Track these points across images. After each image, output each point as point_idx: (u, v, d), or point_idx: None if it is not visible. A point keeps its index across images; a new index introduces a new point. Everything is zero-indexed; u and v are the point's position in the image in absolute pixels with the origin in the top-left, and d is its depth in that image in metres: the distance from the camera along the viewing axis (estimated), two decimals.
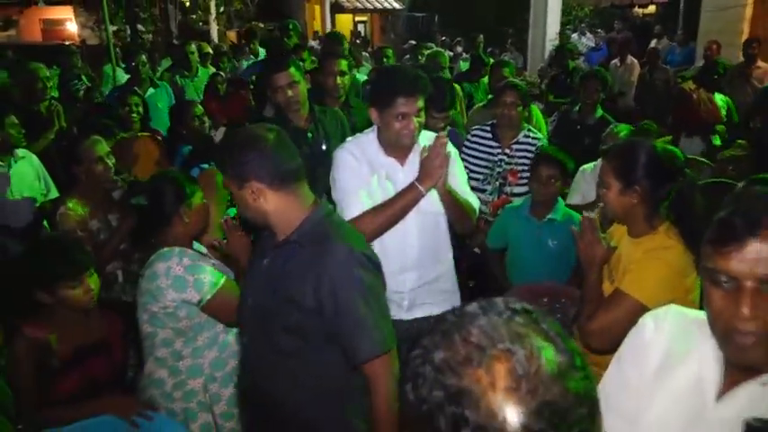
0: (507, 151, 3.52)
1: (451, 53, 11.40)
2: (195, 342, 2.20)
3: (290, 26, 6.23)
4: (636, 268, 1.88)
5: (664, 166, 1.90)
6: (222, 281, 2.16)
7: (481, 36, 10.41)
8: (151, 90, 5.40)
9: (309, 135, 3.15)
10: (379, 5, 21.43)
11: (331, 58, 3.69)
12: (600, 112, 4.34)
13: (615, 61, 8.33)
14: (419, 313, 2.53)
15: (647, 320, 1.24)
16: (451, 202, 2.41)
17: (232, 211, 2.67)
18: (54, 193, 3.73)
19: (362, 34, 19.26)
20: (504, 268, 3.20)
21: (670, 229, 1.93)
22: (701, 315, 1.11)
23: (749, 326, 0.97)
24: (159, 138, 4.30)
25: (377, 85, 2.47)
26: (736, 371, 1.05)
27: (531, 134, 3.58)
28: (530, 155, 3.42)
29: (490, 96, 4.65)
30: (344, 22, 20.80)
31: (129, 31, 11.85)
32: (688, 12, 11.61)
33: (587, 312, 1.92)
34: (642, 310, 1.56)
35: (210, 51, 7.27)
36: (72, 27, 17.57)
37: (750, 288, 0.97)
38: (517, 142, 3.53)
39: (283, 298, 1.74)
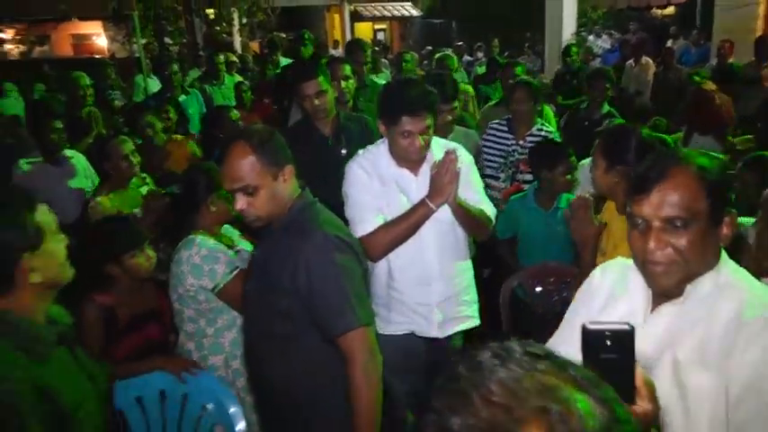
0: (521, 143, 3.82)
1: (471, 57, 11.64)
2: (216, 323, 2.41)
3: (306, 36, 6.42)
4: (624, 244, 2.08)
5: (645, 149, 2.09)
6: (234, 271, 2.32)
7: (496, 40, 10.64)
8: (183, 97, 5.72)
9: (329, 142, 3.21)
10: (397, 13, 21.69)
11: (335, 63, 3.81)
12: (606, 108, 4.53)
13: (630, 62, 8.47)
14: (450, 330, 2.51)
15: (596, 271, 1.50)
16: (463, 216, 2.42)
17: None
18: None
19: (382, 41, 19.52)
20: (516, 255, 3.42)
21: None
22: None
23: (657, 256, 1.21)
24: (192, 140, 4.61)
25: (384, 101, 2.43)
26: (659, 298, 1.28)
27: (544, 128, 3.87)
28: None
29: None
30: (364, 31, 21.09)
31: (157, 44, 12.28)
32: (704, 12, 11.68)
33: None
34: None
35: (236, 61, 7.62)
36: (101, 41, 18.14)
37: (656, 227, 1.20)
38: (530, 134, 3.81)
39: (270, 283, 1.86)
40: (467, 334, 2.59)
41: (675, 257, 1.20)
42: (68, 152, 3.95)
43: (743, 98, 6.03)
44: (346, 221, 2.30)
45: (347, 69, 3.75)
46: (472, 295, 2.62)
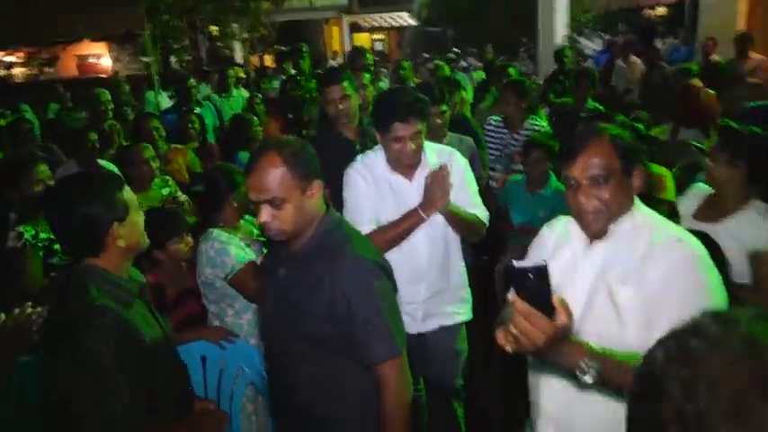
0: (515, 136, 4.30)
1: (465, 64, 12.02)
2: (234, 306, 2.68)
3: (303, 49, 6.70)
4: None
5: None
6: (242, 265, 2.58)
7: (490, 46, 11.07)
8: (198, 109, 6.12)
9: (357, 147, 3.24)
10: (395, 23, 22.13)
11: (356, 72, 3.96)
12: (591, 104, 4.95)
13: (619, 61, 8.87)
14: (433, 324, 2.63)
15: (544, 228, 1.85)
16: (455, 222, 2.53)
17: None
18: None
19: (381, 51, 19.93)
20: (509, 219, 3.81)
21: None
22: None
23: (588, 207, 1.56)
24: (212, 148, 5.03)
25: (377, 108, 2.54)
26: (593, 240, 1.64)
27: (536, 123, 4.36)
28: None
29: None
30: (363, 41, 21.52)
31: (162, 61, 12.69)
32: (692, 11, 12.02)
33: None
34: None
35: (243, 75, 8.06)
36: (106, 61, 18.63)
37: (584, 185, 1.56)
38: (524, 129, 4.30)
39: (300, 308, 1.80)
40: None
41: (600, 207, 1.55)
42: (101, 161, 4.33)
43: (727, 93, 6.38)
44: None
45: (366, 78, 3.87)
46: (462, 294, 2.73)
